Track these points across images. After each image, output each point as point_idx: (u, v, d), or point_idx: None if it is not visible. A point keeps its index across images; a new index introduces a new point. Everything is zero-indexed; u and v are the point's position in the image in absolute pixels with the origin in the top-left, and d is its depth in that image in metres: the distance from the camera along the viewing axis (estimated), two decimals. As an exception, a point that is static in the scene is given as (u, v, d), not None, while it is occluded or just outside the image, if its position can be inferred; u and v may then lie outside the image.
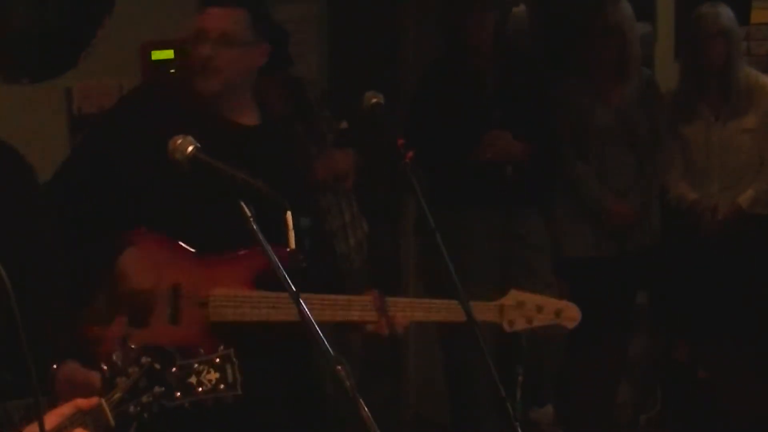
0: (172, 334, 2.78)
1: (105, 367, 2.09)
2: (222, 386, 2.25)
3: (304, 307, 2.17)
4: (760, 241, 4.69)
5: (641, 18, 4.85)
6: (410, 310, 2.92)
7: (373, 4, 4.88)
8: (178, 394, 2.22)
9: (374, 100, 2.78)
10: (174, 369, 2.21)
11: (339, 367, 2.10)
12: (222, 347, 2.30)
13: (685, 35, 4.79)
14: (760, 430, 4.65)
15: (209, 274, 2.85)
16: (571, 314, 2.98)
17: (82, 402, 1.96)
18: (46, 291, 2.49)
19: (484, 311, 2.91)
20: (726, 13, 4.60)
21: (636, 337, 4.97)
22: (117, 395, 2.05)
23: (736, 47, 4.64)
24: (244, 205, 2.22)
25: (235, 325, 2.82)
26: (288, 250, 2.18)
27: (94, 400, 1.97)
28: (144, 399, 2.08)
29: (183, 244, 2.87)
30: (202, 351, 2.29)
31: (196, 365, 2.24)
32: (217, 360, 2.27)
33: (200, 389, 2.24)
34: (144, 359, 2.11)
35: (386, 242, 4.94)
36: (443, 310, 2.88)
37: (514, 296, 2.95)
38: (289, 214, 2.17)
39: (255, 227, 2.20)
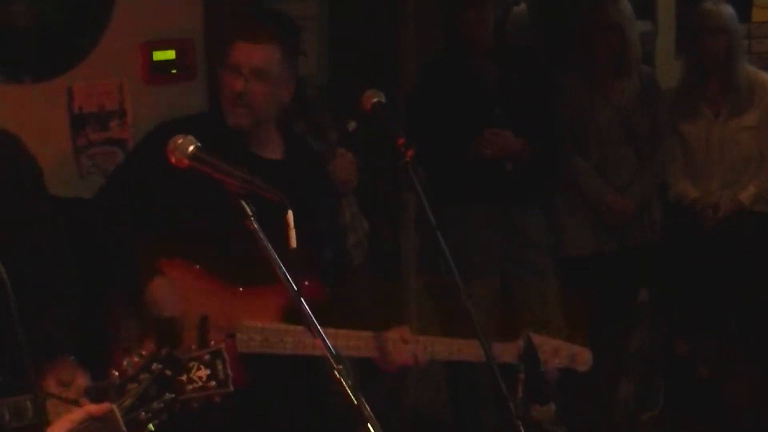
0: None
1: (116, 373, 2.09)
2: (213, 383, 2.25)
3: (306, 306, 2.18)
4: (761, 237, 4.69)
5: (642, 16, 4.86)
6: (431, 346, 3.00)
7: (373, 1, 4.88)
8: (168, 393, 2.21)
9: (375, 99, 2.79)
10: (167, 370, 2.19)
11: (340, 366, 2.11)
12: (213, 342, 2.30)
13: (687, 32, 4.80)
14: (760, 426, 4.66)
15: (238, 305, 2.90)
16: (585, 359, 3.17)
17: (93, 408, 1.96)
18: (45, 282, 2.49)
19: (503, 352, 2.97)
20: (727, 11, 4.61)
21: (637, 334, 4.98)
22: (128, 401, 2.04)
23: (737, 44, 4.65)
24: (245, 204, 2.23)
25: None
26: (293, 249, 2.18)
27: (105, 407, 1.96)
28: (154, 405, 2.08)
29: (212, 275, 2.91)
30: (192, 347, 2.29)
31: (163, 353, 2.21)
32: (207, 356, 2.26)
33: (190, 387, 2.24)
34: (155, 366, 2.11)
35: (387, 239, 4.94)
36: (464, 349, 2.98)
37: (533, 339, 3.00)
38: (290, 213, 2.18)
39: (256, 226, 2.21)
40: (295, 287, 2.18)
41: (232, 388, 2.30)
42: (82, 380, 2.33)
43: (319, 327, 2.17)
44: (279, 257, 2.18)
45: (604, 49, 4.45)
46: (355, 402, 2.08)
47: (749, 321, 4.81)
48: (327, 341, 2.14)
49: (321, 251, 3.09)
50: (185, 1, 4.15)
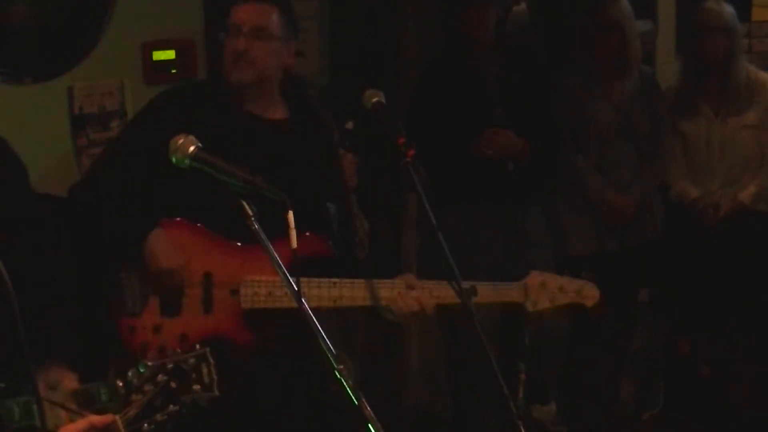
0: (204, 324, 2.82)
1: (120, 384, 2.08)
2: (197, 387, 2.21)
3: (307, 307, 2.18)
4: (762, 236, 4.69)
5: (643, 16, 4.85)
6: (437, 291, 2.97)
7: (373, 1, 4.88)
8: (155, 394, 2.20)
9: (375, 99, 2.79)
10: (160, 376, 2.16)
11: (341, 366, 2.11)
12: (198, 346, 2.27)
13: (687, 30, 4.79)
14: (762, 425, 4.65)
15: (241, 261, 2.91)
16: (591, 293, 3.11)
17: (96, 419, 1.95)
18: (44, 283, 2.48)
19: (509, 291, 3.01)
20: (728, 10, 4.61)
21: (638, 333, 4.97)
22: (132, 412, 2.03)
23: (737, 43, 4.64)
24: (246, 204, 2.23)
25: (265, 315, 2.87)
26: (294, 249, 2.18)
27: (108, 417, 1.95)
28: (158, 417, 2.06)
29: (213, 232, 2.93)
30: (178, 350, 2.26)
31: (170, 366, 2.19)
32: (192, 360, 2.22)
33: (174, 384, 2.20)
34: (160, 377, 2.09)
35: (387, 239, 4.94)
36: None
37: (536, 277, 3.05)
38: (290, 213, 2.17)
39: (256, 226, 2.21)
40: (296, 288, 2.17)
41: (217, 393, 2.26)
42: (70, 383, 2.32)
43: (320, 328, 2.17)
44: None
45: (604, 49, 4.45)
46: (356, 402, 2.08)
47: (750, 320, 4.80)
48: (328, 342, 2.13)
49: (325, 205, 3.10)
50: (185, 1, 4.15)
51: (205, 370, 2.23)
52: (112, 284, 3.00)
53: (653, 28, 5.64)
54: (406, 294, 2.96)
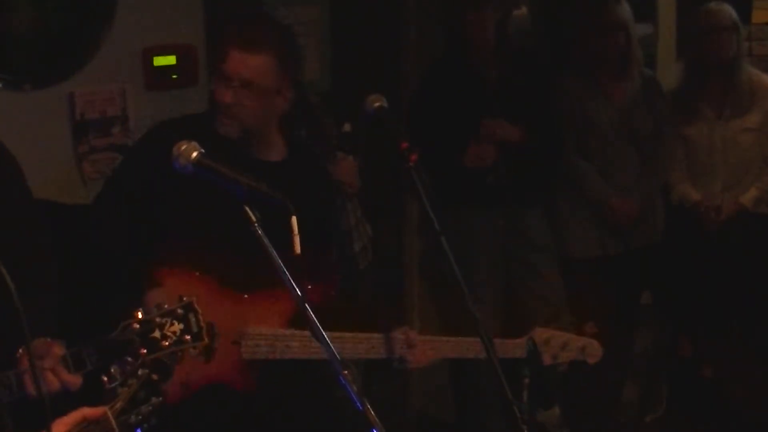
0: (205, 371, 2.77)
1: (105, 378, 2.10)
2: (187, 337, 2.26)
3: (310, 311, 2.18)
4: (763, 239, 4.69)
5: (642, 19, 4.85)
6: (438, 347, 2.98)
7: (374, 6, 4.88)
8: (144, 350, 2.22)
9: (377, 104, 2.78)
10: (137, 325, 2.22)
11: (345, 372, 2.11)
12: (185, 298, 2.30)
13: (691, 32, 4.78)
14: (765, 426, 4.65)
15: (243, 312, 2.85)
16: (594, 351, 3.13)
17: (88, 411, 1.99)
18: (28, 279, 2.49)
19: (512, 348, 2.97)
20: (732, 11, 4.61)
21: (640, 336, 4.97)
22: (119, 404, 2.06)
23: (742, 45, 4.65)
24: (249, 210, 2.23)
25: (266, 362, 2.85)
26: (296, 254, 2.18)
27: (100, 410, 1.99)
28: (143, 409, 2.08)
29: (214, 281, 2.85)
30: (166, 306, 2.29)
31: (158, 319, 2.25)
32: (180, 311, 2.27)
33: (165, 343, 2.26)
34: (141, 371, 2.12)
35: (390, 243, 4.94)
36: (472, 346, 2.92)
37: (540, 333, 3.02)
38: (294, 219, 2.17)
39: (260, 232, 2.21)
40: (299, 293, 2.18)
41: (207, 341, 2.30)
42: (58, 349, 2.32)
43: (323, 331, 2.17)
44: (283, 262, 2.18)
45: (605, 50, 4.45)
46: (361, 407, 2.08)
47: (752, 322, 4.80)
48: (331, 346, 2.14)
49: (327, 253, 3.06)
50: (186, 7, 4.15)
51: (192, 319, 2.27)
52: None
53: (654, 32, 5.65)
54: (408, 352, 2.93)
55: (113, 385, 2.11)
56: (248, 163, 2.88)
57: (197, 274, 2.87)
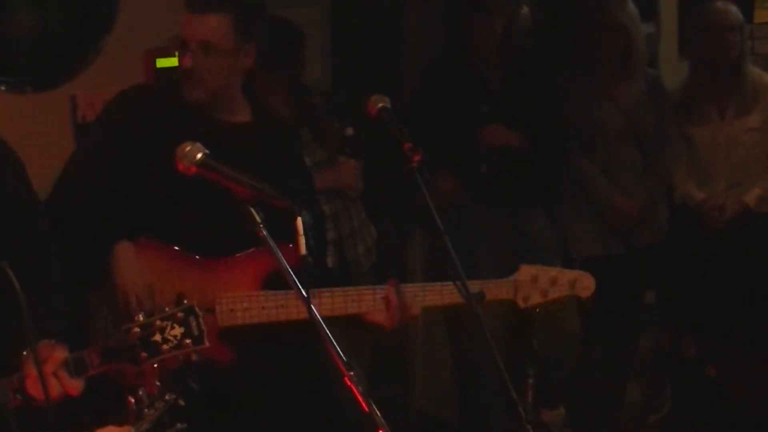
0: None
1: (132, 400, 2.11)
2: (188, 341, 2.26)
3: (315, 312, 2.17)
4: (767, 239, 4.68)
5: (645, 18, 4.84)
6: (422, 294, 2.90)
7: (374, 6, 4.88)
8: (144, 354, 2.22)
9: (380, 105, 2.78)
10: (137, 329, 2.23)
11: (351, 373, 2.11)
12: (185, 300, 2.29)
13: (694, 32, 4.77)
14: (768, 427, 4.65)
15: (215, 279, 2.81)
16: (586, 283, 2.97)
17: (113, 431, 1.99)
18: (34, 281, 2.49)
19: (498, 289, 2.90)
20: (736, 10, 4.61)
21: (644, 336, 4.97)
22: (144, 426, 2.07)
23: (746, 44, 4.65)
24: (254, 211, 2.22)
25: (244, 330, 2.80)
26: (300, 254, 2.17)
27: (125, 430, 1.99)
28: None
29: (185, 251, 2.82)
30: (167, 309, 2.28)
31: (158, 322, 2.24)
32: (180, 314, 2.26)
33: (166, 346, 2.25)
34: (168, 396, 2.13)
35: (393, 244, 4.93)
36: (455, 292, 2.83)
37: (526, 271, 2.93)
38: (299, 220, 2.16)
39: (265, 233, 2.20)
40: (305, 294, 2.17)
41: (207, 344, 2.29)
42: (60, 353, 2.32)
43: (329, 334, 2.16)
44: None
45: (607, 50, 4.45)
46: (367, 408, 2.08)
47: (756, 321, 4.80)
48: (338, 348, 2.13)
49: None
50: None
51: (193, 323, 2.27)
52: (83, 308, 2.90)
53: (656, 31, 5.64)
54: (384, 310, 2.86)
55: (140, 407, 2.12)
56: (214, 126, 2.87)
57: (166, 245, 2.82)
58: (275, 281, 2.67)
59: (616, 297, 4.55)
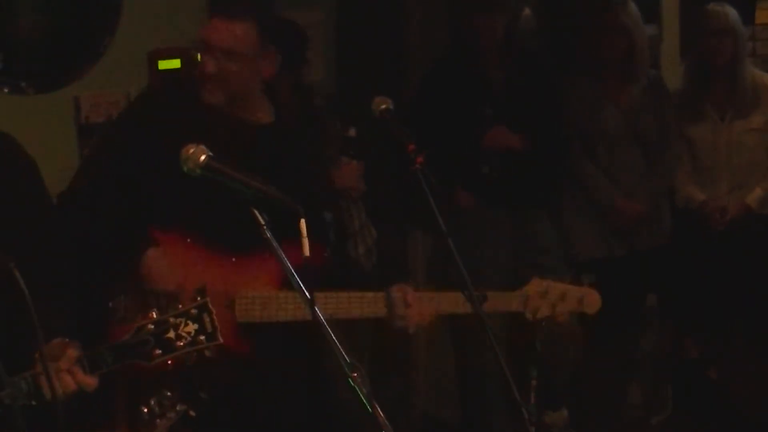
0: None
1: (145, 410, 2.13)
2: (202, 337, 2.28)
3: (319, 313, 2.18)
4: (768, 240, 4.69)
5: (647, 20, 4.85)
6: (436, 302, 2.91)
7: (378, 8, 4.88)
8: (158, 351, 2.24)
9: (383, 106, 2.78)
10: (151, 326, 2.25)
11: (354, 374, 2.11)
12: (198, 297, 2.32)
13: (692, 33, 4.79)
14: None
15: (236, 274, 2.84)
16: (593, 300, 3.04)
17: None
18: (42, 282, 2.50)
19: (509, 301, 2.93)
20: (733, 13, 4.61)
21: (646, 338, 4.97)
22: None
23: (742, 46, 4.64)
24: (258, 213, 2.22)
25: (262, 324, 2.83)
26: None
27: None
28: None
29: (210, 247, 2.85)
30: (180, 306, 2.31)
31: (172, 319, 2.27)
32: (194, 311, 2.29)
33: (180, 343, 2.27)
34: (180, 406, 2.15)
35: (395, 245, 4.94)
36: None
37: (537, 284, 2.98)
38: (303, 221, 2.16)
39: (269, 235, 2.20)
40: (308, 295, 2.17)
41: (221, 340, 2.31)
42: (73, 351, 2.33)
43: (332, 334, 2.17)
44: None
45: (610, 52, 4.45)
46: (370, 409, 2.08)
47: (757, 323, 4.80)
48: (342, 349, 2.13)
49: (318, 213, 3.03)
50: (190, 10, 4.15)
51: (207, 319, 2.29)
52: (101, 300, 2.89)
53: (658, 33, 5.64)
54: (406, 311, 2.88)
55: (153, 417, 2.13)
56: (235, 126, 2.90)
57: (187, 238, 2.85)
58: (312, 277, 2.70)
59: (618, 299, 4.55)
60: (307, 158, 3.03)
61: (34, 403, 2.24)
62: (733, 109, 4.64)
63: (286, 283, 2.75)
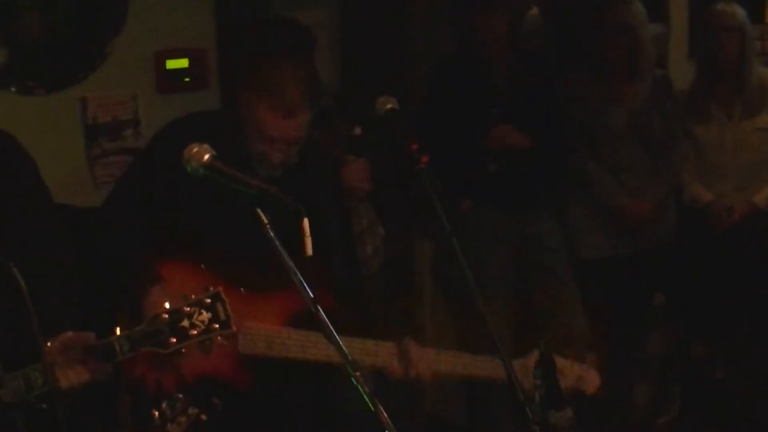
0: (201, 364, 2.77)
1: (156, 414, 2.14)
2: (215, 325, 2.33)
3: (323, 314, 2.18)
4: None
5: (655, 19, 4.84)
6: (436, 363, 2.97)
7: (383, 8, 4.89)
8: (173, 339, 2.27)
9: (388, 106, 2.78)
10: (166, 315, 2.29)
11: (357, 373, 2.11)
12: (211, 288, 2.36)
13: (699, 32, 4.78)
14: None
15: (243, 307, 2.82)
16: (591, 381, 3.08)
17: None
18: (44, 279, 2.51)
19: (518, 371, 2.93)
20: (740, 11, 4.60)
21: (653, 338, 4.96)
22: None
23: (749, 45, 4.64)
24: (261, 212, 2.23)
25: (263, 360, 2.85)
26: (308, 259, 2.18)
27: None
28: None
29: (222, 279, 2.81)
30: (193, 296, 2.34)
31: (186, 308, 2.32)
32: (208, 300, 2.34)
33: (194, 332, 2.32)
34: (191, 410, 2.17)
35: (400, 245, 4.94)
36: (470, 365, 2.95)
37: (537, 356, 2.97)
38: (305, 220, 2.17)
39: (271, 234, 2.21)
40: (311, 295, 2.18)
41: (234, 329, 2.36)
42: (88, 340, 2.34)
43: (335, 333, 2.17)
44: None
45: (614, 51, 4.45)
46: (373, 409, 2.08)
47: (764, 323, 4.79)
48: (344, 348, 2.14)
49: (330, 258, 3.05)
50: (197, 10, 4.16)
51: (220, 308, 2.34)
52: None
53: (665, 32, 5.63)
54: (406, 365, 2.93)
55: (164, 421, 2.15)
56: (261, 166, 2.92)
57: (200, 265, 2.87)
58: (301, 322, 2.75)
59: (624, 298, 4.55)
60: (323, 202, 3.06)
61: (39, 399, 2.25)
62: (740, 108, 4.64)
63: (292, 325, 2.83)
